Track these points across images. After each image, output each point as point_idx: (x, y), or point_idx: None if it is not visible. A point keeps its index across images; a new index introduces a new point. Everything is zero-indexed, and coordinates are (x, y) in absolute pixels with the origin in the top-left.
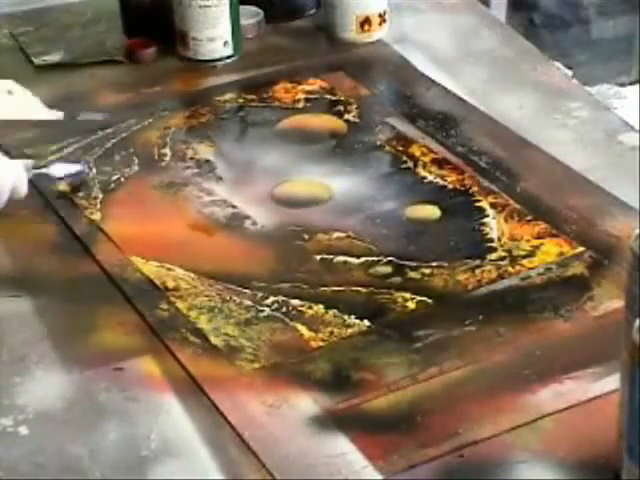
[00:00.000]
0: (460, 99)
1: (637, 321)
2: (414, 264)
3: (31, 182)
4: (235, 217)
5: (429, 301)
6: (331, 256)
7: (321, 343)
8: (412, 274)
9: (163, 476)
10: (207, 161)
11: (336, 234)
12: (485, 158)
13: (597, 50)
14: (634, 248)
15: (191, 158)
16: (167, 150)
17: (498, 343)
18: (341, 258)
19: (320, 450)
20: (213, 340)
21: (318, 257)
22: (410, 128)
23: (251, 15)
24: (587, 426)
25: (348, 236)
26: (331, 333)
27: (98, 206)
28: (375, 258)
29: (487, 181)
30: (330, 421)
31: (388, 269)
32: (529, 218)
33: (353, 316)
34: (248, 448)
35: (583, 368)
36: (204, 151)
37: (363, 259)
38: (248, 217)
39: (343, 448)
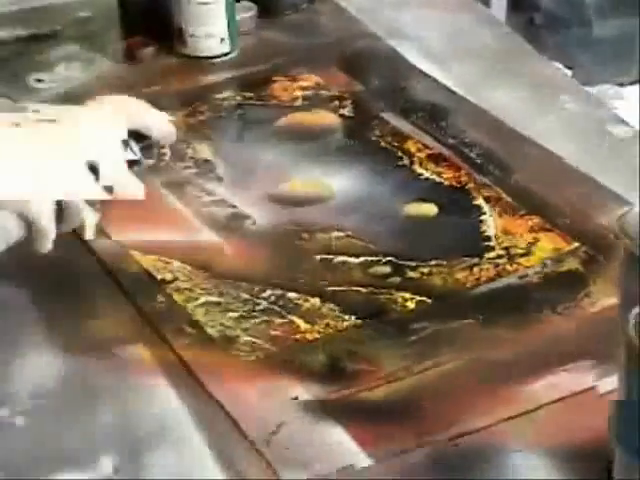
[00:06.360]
0: (453, 92)
1: (633, 312)
2: (413, 263)
3: None
4: (235, 217)
5: (429, 301)
6: (331, 256)
7: (317, 335)
8: (411, 273)
9: (158, 462)
10: (206, 161)
11: (335, 233)
12: (477, 150)
13: (597, 50)
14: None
15: (191, 157)
16: (166, 149)
17: (495, 338)
18: (340, 258)
19: (314, 439)
20: (209, 331)
21: (318, 257)
22: (404, 123)
23: (244, 9)
24: (581, 417)
25: (347, 235)
26: (327, 325)
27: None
28: (374, 258)
29: (481, 175)
30: (325, 411)
31: (387, 269)
32: (522, 212)
33: (353, 317)
34: (243, 436)
35: (578, 361)
36: (203, 150)
37: (362, 259)
38: (248, 217)
39: (337, 437)
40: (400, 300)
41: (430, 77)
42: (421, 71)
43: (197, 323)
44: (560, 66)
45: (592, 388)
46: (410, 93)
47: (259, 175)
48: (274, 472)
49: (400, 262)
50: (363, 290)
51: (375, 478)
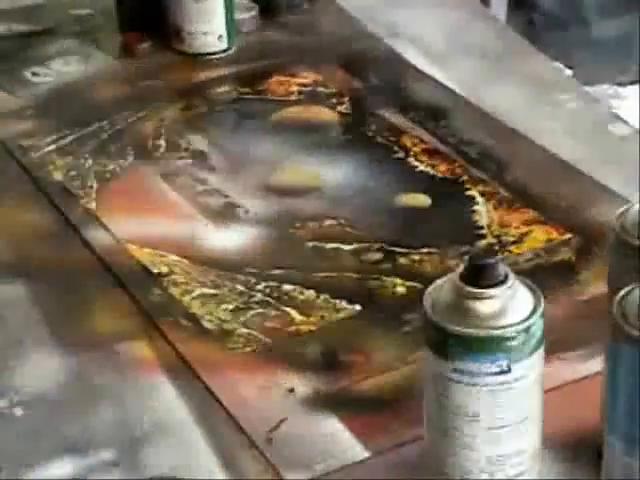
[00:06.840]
0: (451, 91)
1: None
2: (404, 251)
3: (25, 169)
4: (228, 206)
5: (419, 286)
6: (323, 243)
7: (312, 327)
8: (402, 260)
9: (156, 456)
10: (201, 152)
11: (328, 222)
12: (475, 148)
13: (597, 50)
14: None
15: (185, 149)
16: (162, 141)
17: None
18: (332, 245)
19: (310, 430)
20: (205, 324)
21: (310, 244)
22: (402, 120)
23: (246, 9)
24: (573, 405)
25: (340, 224)
26: (322, 317)
27: (93, 195)
28: (366, 245)
29: (477, 170)
30: (320, 402)
31: (378, 255)
32: (518, 206)
33: (344, 301)
34: (240, 429)
35: (570, 350)
36: (198, 142)
37: (355, 246)
38: (241, 206)
39: (332, 428)
40: (390, 286)
41: (429, 76)
42: (420, 70)
43: (194, 316)
44: (561, 66)
45: (584, 378)
46: (409, 92)
47: (253, 166)
48: (276, 472)
49: (391, 249)
50: (354, 276)
51: (373, 471)
